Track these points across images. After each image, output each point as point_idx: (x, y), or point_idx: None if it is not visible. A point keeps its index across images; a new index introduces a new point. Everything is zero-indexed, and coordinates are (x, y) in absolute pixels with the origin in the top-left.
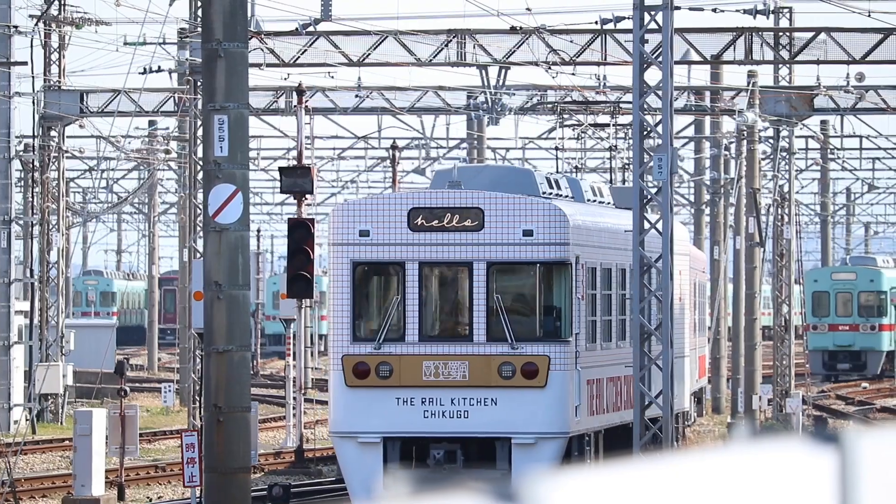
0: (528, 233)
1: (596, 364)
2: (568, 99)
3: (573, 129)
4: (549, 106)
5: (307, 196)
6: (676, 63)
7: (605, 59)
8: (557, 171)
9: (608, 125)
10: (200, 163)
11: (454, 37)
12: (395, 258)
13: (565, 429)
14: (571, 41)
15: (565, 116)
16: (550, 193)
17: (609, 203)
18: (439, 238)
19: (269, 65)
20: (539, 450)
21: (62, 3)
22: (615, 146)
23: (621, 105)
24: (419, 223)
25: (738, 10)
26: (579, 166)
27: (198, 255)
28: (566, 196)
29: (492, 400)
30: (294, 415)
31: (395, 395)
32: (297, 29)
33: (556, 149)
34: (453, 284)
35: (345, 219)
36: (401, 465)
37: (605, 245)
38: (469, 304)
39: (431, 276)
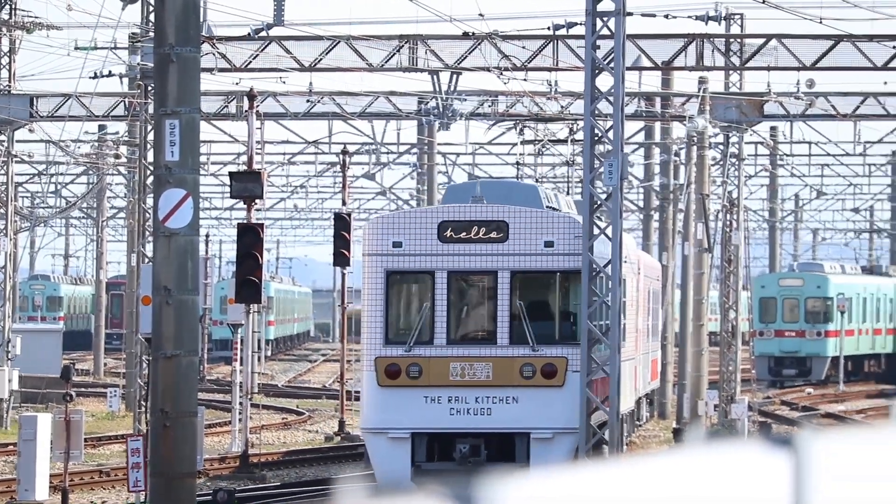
0: (549, 244)
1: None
2: (523, 110)
3: (533, 145)
4: (511, 122)
5: (257, 201)
6: (628, 69)
7: (557, 65)
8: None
9: (566, 141)
10: (150, 167)
11: (406, 42)
12: (426, 267)
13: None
14: (523, 47)
15: (525, 132)
16: (551, 207)
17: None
18: (466, 249)
19: (220, 69)
20: (556, 444)
21: (13, 6)
22: (573, 160)
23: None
24: (448, 235)
25: (689, 17)
26: (539, 180)
27: (146, 259)
28: (562, 209)
29: (513, 398)
30: (240, 420)
31: (424, 394)
32: (248, 34)
33: (517, 164)
34: (479, 292)
35: (379, 231)
36: (427, 459)
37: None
38: (493, 310)
39: (459, 284)
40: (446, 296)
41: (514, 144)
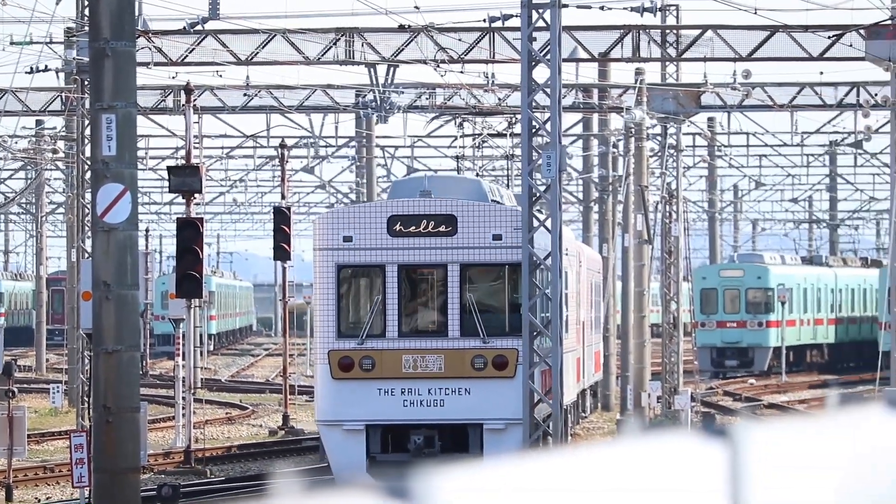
0: (497, 237)
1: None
2: (461, 102)
3: (473, 139)
4: (449, 115)
5: (196, 195)
6: (564, 61)
7: (494, 57)
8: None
9: (506, 135)
10: (88, 162)
11: (342, 35)
12: (376, 261)
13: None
14: (460, 39)
15: (465, 126)
16: (495, 200)
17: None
18: (416, 242)
19: (156, 64)
20: (509, 435)
21: None
22: (512, 154)
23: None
24: (398, 229)
25: (625, 8)
26: (480, 174)
27: (86, 255)
28: (505, 203)
29: (465, 390)
30: (183, 415)
31: (377, 387)
32: (184, 28)
33: (458, 158)
34: (429, 285)
35: (329, 226)
36: (382, 451)
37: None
38: (444, 303)
39: (409, 278)
40: (397, 289)
41: (455, 137)
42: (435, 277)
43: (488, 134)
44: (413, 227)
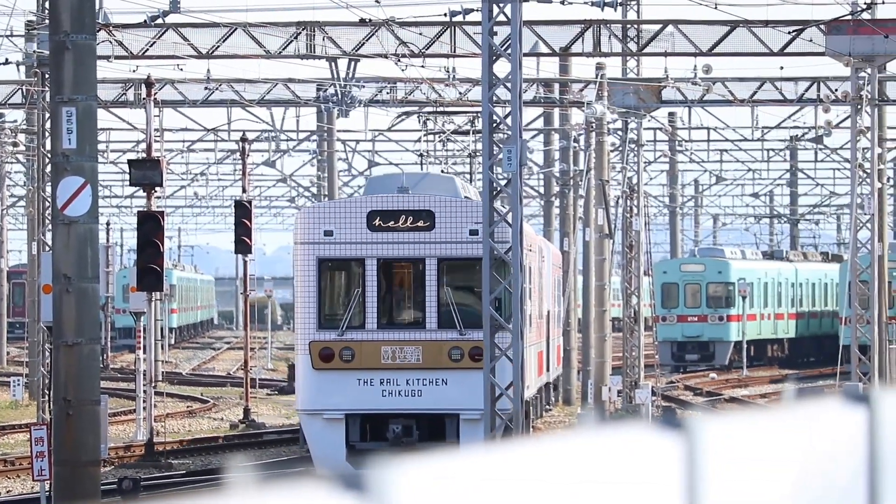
0: (473, 232)
1: (528, 345)
2: (422, 97)
3: (436, 136)
4: (410, 108)
5: (157, 189)
6: (525, 55)
7: (455, 52)
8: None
9: (468, 132)
10: (49, 155)
11: (303, 29)
12: (356, 255)
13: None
14: (421, 33)
15: (429, 124)
16: (467, 197)
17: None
18: (395, 237)
19: (117, 57)
20: (484, 424)
21: None
22: (475, 153)
23: (474, 103)
24: (377, 224)
25: (586, 2)
26: (444, 170)
27: (46, 248)
28: (474, 199)
29: (443, 380)
30: (144, 408)
31: (357, 377)
32: (145, 21)
33: (421, 154)
34: (408, 278)
35: (310, 220)
36: (361, 439)
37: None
38: (422, 296)
39: (388, 271)
40: (376, 282)
41: (420, 137)
42: (413, 271)
43: (452, 132)
44: (392, 223)
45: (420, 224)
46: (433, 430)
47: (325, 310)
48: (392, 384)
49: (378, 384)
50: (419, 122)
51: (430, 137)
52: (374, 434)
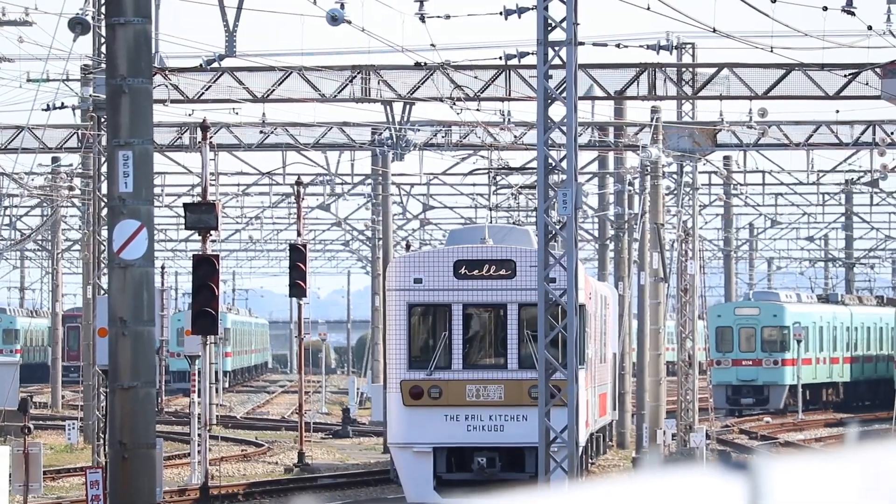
0: (552, 280)
1: (598, 384)
2: (476, 140)
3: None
4: (465, 152)
5: (212, 232)
6: (580, 99)
7: (510, 95)
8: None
9: (534, 186)
10: (104, 199)
11: (359, 72)
12: (444, 301)
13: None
14: (476, 77)
15: (498, 180)
16: None
17: None
18: (479, 284)
19: (173, 101)
20: (561, 457)
21: None
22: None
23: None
24: (463, 272)
25: (641, 46)
26: (515, 222)
27: (102, 291)
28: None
29: (523, 416)
30: (199, 451)
31: (444, 413)
32: (201, 65)
33: (490, 209)
34: (491, 322)
35: (402, 269)
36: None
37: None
38: (504, 338)
39: (473, 316)
40: (462, 326)
41: (472, 175)
42: (495, 315)
43: (520, 187)
44: (476, 271)
45: (503, 272)
46: (514, 461)
47: (414, 351)
48: (476, 419)
49: (463, 419)
50: (488, 179)
51: (500, 191)
52: (459, 465)
